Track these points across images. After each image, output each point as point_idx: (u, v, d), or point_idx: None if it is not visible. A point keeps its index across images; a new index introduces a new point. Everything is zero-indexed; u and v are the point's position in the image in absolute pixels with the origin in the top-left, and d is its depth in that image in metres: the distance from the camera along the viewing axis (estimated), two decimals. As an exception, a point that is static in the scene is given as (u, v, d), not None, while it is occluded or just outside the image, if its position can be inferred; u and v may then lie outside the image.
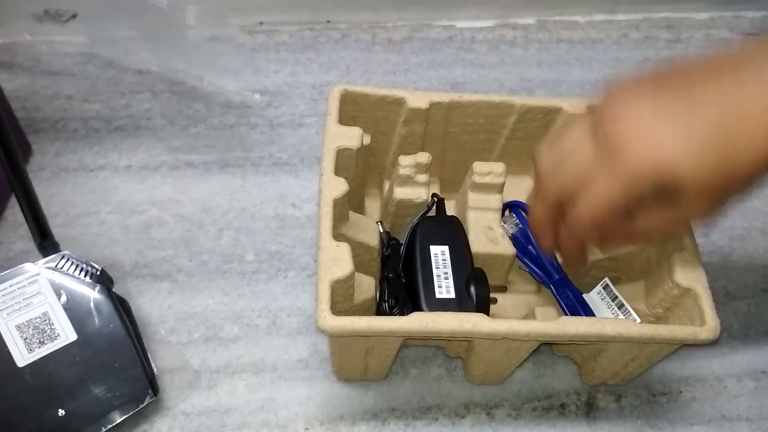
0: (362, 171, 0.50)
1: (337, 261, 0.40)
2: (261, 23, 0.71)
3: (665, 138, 0.31)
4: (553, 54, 0.72)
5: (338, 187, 0.43)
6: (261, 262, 0.53)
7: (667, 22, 0.81)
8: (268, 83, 0.65)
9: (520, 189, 0.53)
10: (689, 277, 0.43)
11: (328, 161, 0.44)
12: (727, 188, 0.33)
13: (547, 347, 0.50)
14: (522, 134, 0.51)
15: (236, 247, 0.54)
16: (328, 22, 0.72)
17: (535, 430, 0.47)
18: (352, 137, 0.45)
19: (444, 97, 0.48)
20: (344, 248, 0.41)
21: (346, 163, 0.46)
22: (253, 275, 0.53)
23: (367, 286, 0.44)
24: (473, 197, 0.49)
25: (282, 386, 0.48)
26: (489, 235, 0.48)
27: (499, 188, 0.49)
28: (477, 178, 0.48)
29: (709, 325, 0.41)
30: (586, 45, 0.76)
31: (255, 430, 0.46)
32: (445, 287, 0.44)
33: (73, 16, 0.65)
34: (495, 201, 0.49)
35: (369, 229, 0.48)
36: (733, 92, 0.31)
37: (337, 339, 0.42)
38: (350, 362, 0.45)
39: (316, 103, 0.64)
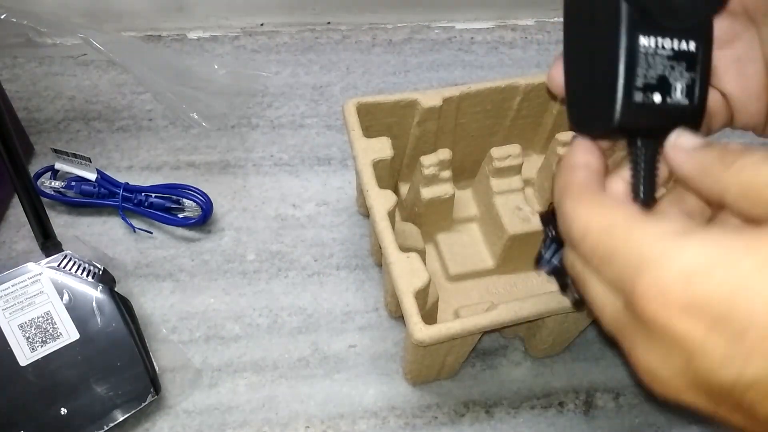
0: None
1: (413, 272, 0.40)
2: (262, 24, 0.72)
3: None
4: (552, 55, 0.72)
5: (388, 199, 0.43)
6: (262, 262, 0.54)
7: (666, 24, 0.81)
8: (269, 84, 0.66)
9: (527, 164, 0.53)
10: None
11: (369, 176, 0.44)
12: None
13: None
14: (525, 113, 0.52)
15: (237, 246, 0.55)
16: (329, 23, 0.73)
17: (534, 429, 0.47)
18: (383, 148, 0.46)
19: (454, 92, 0.49)
20: (415, 258, 0.40)
21: (380, 174, 0.46)
22: (254, 275, 0.53)
23: (433, 289, 0.44)
24: (496, 182, 0.50)
25: (283, 385, 0.48)
26: (520, 215, 0.49)
27: (519, 169, 0.50)
28: (497, 164, 0.49)
29: None
30: (585, 46, 0.76)
31: (256, 428, 0.46)
32: None
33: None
34: (517, 181, 0.50)
35: (414, 235, 0.48)
36: None
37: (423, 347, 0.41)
38: (431, 365, 0.45)
39: (317, 104, 0.64)
